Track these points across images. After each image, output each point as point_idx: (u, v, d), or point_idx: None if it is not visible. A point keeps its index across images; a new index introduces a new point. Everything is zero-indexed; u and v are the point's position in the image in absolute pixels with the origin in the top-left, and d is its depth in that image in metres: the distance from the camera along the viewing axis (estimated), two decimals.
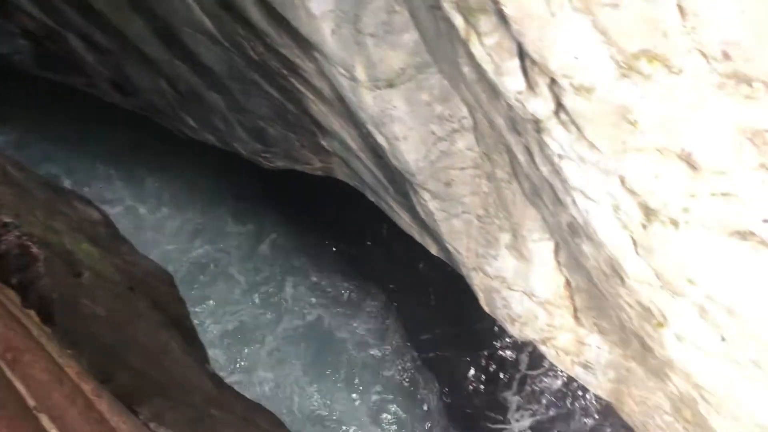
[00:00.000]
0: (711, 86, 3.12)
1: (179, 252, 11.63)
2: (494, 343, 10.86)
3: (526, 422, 10.43)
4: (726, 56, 2.99)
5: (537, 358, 10.51)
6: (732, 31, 2.89)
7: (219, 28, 7.30)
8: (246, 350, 10.97)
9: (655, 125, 3.38)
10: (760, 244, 3.69)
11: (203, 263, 11.71)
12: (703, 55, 3.04)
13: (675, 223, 3.78)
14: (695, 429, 6.16)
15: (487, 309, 6.74)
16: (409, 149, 5.64)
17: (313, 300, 11.73)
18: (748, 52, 2.89)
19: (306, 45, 5.91)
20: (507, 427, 10.52)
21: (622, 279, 4.44)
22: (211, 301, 11.37)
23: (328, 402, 10.76)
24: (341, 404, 10.81)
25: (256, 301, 11.47)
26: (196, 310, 10.97)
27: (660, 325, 4.53)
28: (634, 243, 4.06)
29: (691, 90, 3.20)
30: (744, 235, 3.70)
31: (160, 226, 11.90)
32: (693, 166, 3.50)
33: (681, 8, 2.96)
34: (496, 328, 10.78)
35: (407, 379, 11.46)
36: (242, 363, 10.92)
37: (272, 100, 7.81)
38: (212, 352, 10.17)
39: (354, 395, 10.95)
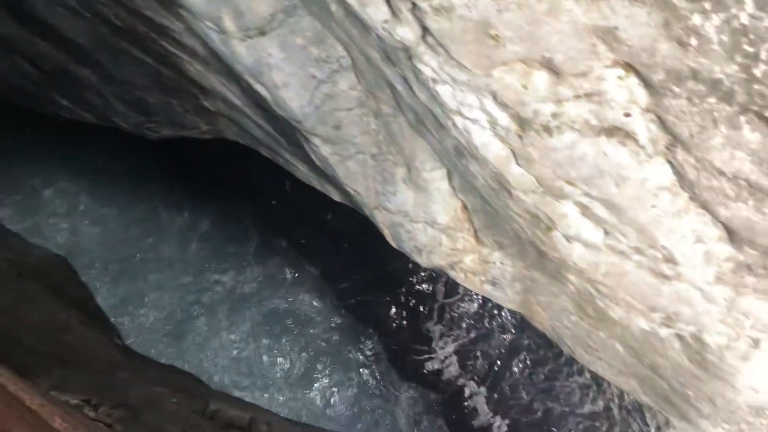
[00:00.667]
0: None
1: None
2: (410, 279, 11.16)
3: (450, 348, 10.89)
4: None
5: (452, 287, 10.91)
6: None
7: None
8: (152, 316, 10.71)
9: (515, 37, 3.52)
10: (626, 138, 3.96)
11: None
12: None
13: (547, 129, 3.98)
14: (598, 323, 6.64)
15: (393, 244, 6.90)
16: (292, 96, 5.60)
17: (225, 265, 11.58)
18: None
19: (169, 3, 5.68)
20: (433, 356, 10.95)
21: (509, 192, 4.65)
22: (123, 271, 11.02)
23: (254, 361, 10.79)
24: (265, 364, 10.87)
25: (167, 269, 11.19)
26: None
27: (549, 229, 4.81)
28: (514, 154, 4.25)
29: None
30: (610, 131, 3.95)
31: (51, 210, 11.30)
32: (555, 72, 3.68)
33: None
34: (410, 265, 11.06)
35: (332, 330, 11.63)
36: (149, 327, 10.69)
37: (146, 67, 7.49)
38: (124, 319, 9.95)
39: (279, 353, 11.02)
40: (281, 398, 10.71)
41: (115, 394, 2.52)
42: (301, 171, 7.81)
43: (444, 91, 4.05)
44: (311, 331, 11.66)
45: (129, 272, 11.14)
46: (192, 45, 6.26)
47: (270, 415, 3.51)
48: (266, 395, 10.40)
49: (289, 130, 6.54)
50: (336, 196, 7.68)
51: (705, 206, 4.20)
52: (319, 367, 11.14)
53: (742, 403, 5.94)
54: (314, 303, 11.56)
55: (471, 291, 10.84)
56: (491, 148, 4.29)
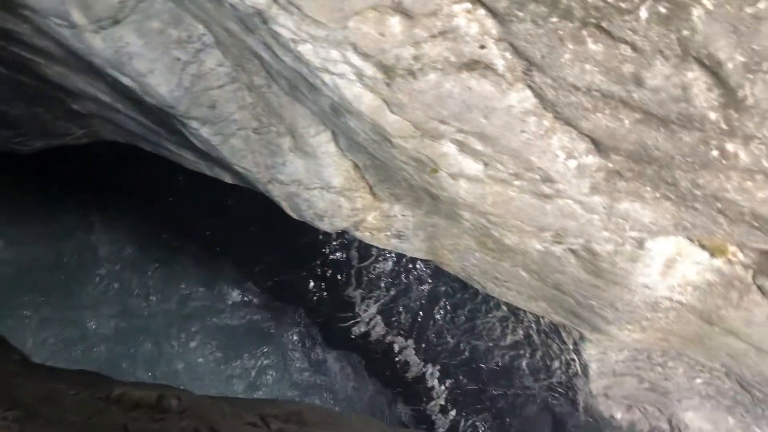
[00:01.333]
0: None
1: None
2: (323, 250, 11.21)
3: (373, 309, 11.08)
4: None
5: (364, 249, 11.05)
6: None
7: None
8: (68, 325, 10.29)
9: None
10: (485, 69, 4.13)
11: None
12: None
13: (412, 72, 4.10)
14: (500, 255, 6.95)
15: (294, 215, 6.91)
16: (159, 82, 5.45)
17: (130, 273, 11.22)
18: None
19: (10, 4, 5.37)
20: (358, 320, 11.11)
21: (389, 141, 4.76)
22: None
23: (181, 355, 10.60)
24: (194, 357, 10.71)
25: (76, 277, 10.72)
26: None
27: (434, 171, 4.98)
28: (386, 103, 4.35)
29: None
30: (470, 65, 4.10)
31: None
32: (408, 15, 3.77)
33: None
34: (320, 236, 11.11)
35: (254, 313, 11.56)
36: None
37: (1, 77, 7.06)
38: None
39: (206, 344, 10.87)
40: (212, 387, 10.61)
41: (7, 398, 2.44)
42: (189, 159, 7.65)
43: (306, 50, 4.08)
44: (233, 318, 11.54)
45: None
46: (45, 46, 5.95)
47: (180, 392, 3.51)
48: (197, 383, 10.28)
49: (165, 119, 6.37)
50: (228, 179, 7.58)
51: (568, 122, 4.46)
52: (247, 351, 11.07)
53: (639, 302, 6.42)
54: (232, 291, 11.43)
55: (383, 250, 11.04)
56: (363, 99, 4.37)
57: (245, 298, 11.80)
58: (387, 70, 4.10)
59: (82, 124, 7.68)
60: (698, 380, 8.75)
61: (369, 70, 4.12)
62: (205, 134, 5.99)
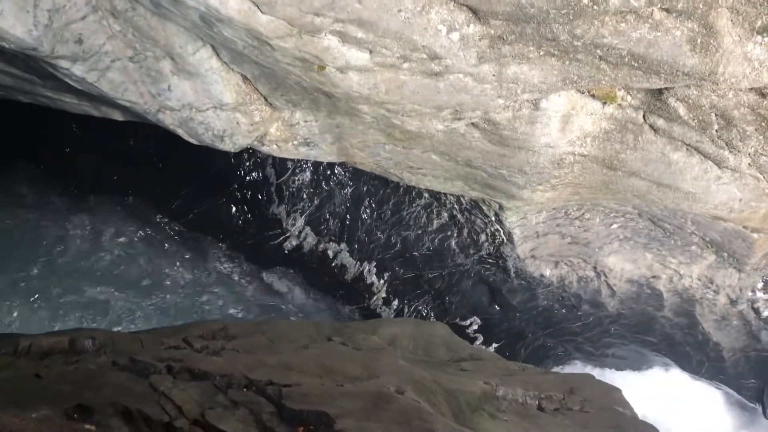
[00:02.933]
0: None
1: None
2: (237, 173, 10.99)
3: (300, 221, 11.08)
4: None
5: (280, 165, 10.89)
6: None
7: None
8: None
9: None
10: None
11: None
12: None
13: None
14: (408, 143, 7.00)
15: (194, 141, 6.69)
16: (12, 23, 5.02)
17: (48, 223, 10.76)
18: None
19: None
20: (288, 235, 11.12)
21: (269, 44, 4.60)
22: None
23: (109, 303, 10.45)
24: (125, 299, 10.57)
25: None
26: None
27: (321, 68, 4.87)
28: (254, 3, 4.16)
29: None
30: None
31: None
32: None
33: None
34: (232, 160, 10.85)
35: (184, 254, 11.39)
36: None
37: None
38: None
39: (145, 292, 10.73)
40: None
41: None
42: (71, 103, 7.20)
43: None
44: (163, 260, 11.35)
45: None
46: None
47: (93, 331, 3.48)
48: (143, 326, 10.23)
49: (34, 64, 5.94)
50: (118, 116, 7.21)
51: None
52: (181, 286, 10.99)
53: (545, 162, 6.65)
54: (151, 232, 11.17)
55: (299, 162, 10.94)
56: (231, 4, 4.17)
57: (166, 236, 11.56)
58: None
59: None
60: (614, 225, 9.28)
61: None
62: (79, 72, 5.62)
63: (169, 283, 11.03)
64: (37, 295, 10.28)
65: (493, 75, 5.01)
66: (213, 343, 3.66)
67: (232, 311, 11.20)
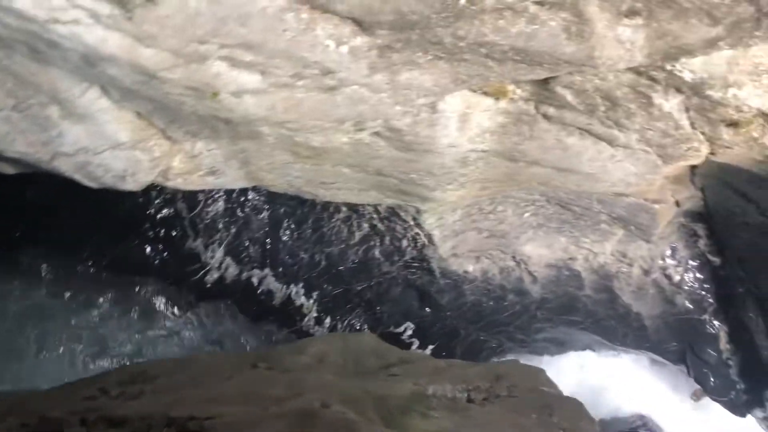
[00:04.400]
0: None
1: None
2: (147, 212, 10.68)
3: (220, 253, 10.87)
4: None
5: (190, 199, 10.66)
6: None
7: None
8: None
9: None
10: None
11: None
12: None
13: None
14: (317, 159, 7.02)
15: (94, 185, 6.47)
16: None
17: None
18: None
19: None
20: (208, 267, 10.88)
21: (157, 77, 4.51)
22: None
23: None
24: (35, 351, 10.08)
25: None
26: None
27: (215, 94, 4.81)
28: (136, 38, 4.08)
29: None
30: None
31: None
32: None
33: None
34: (140, 200, 10.53)
35: (100, 298, 10.97)
36: None
37: None
38: None
39: (70, 344, 10.25)
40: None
41: None
42: None
43: (24, 5, 3.69)
44: (84, 310, 10.89)
45: None
46: None
47: None
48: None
49: None
50: (9, 169, 6.86)
51: (326, 9, 4.43)
52: (101, 335, 10.58)
53: (450, 162, 6.82)
54: (64, 282, 10.70)
55: (209, 192, 10.74)
56: (110, 42, 4.07)
57: (86, 286, 11.11)
58: (123, 4, 3.83)
59: None
60: (526, 214, 9.60)
61: (104, 8, 3.82)
62: None
63: (88, 332, 10.59)
64: None
65: (387, 83, 5.11)
66: (132, 388, 3.53)
67: (156, 352, 10.86)
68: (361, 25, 4.52)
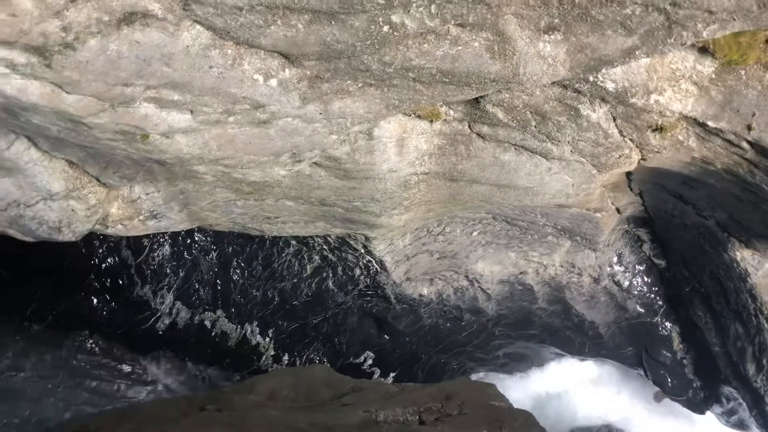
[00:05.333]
0: None
1: None
2: (91, 262, 10.38)
3: (170, 298, 10.61)
4: None
5: (135, 245, 10.42)
6: None
7: None
8: None
9: None
10: (145, 18, 3.92)
11: None
12: None
13: (68, 45, 3.77)
14: (258, 195, 6.96)
15: (30, 238, 6.26)
16: None
17: None
18: None
19: None
20: (158, 314, 10.60)
21: (83, 123, 4.42)
22: None
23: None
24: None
25: None
26: None
27: (145, 137, 4.74)
28: (57, 85, 4.00)
29: None
30: (129, 18, 3.87)
31: None
32: None
33: None
34: (82, 250, 10.25)
35: (49, 355, 10.55)
36: None
37: None
38: None
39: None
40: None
41: None
42: None
43: None
44: (31, 365, 10.46)
45: None
46: None
47: None
48: None
49: None
50: None
51: (251, 44, 4.44)
52: (52, 390, 10.16)
53: (392, 187, 6.85)
54: (14, 343, 10.26)
55: (154, 237, 10.53)
56: (30, 90, 3.99)
57: (30, 342, 10.67)
58: (40, 52, 3.75)
59: None
60: (475, 233, 9.71)
61: (20, 57, 3.74)
62: None
63: (38, 390, 10.17)
64: None
65: (320, 113, 5.12)
66: None
67: (106, 405, 10.48)
68: (288, 57, 4.53)
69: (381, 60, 4.57)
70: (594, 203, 8.59)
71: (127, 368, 10.74)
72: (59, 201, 5.90)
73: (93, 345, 10.63)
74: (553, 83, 5.44)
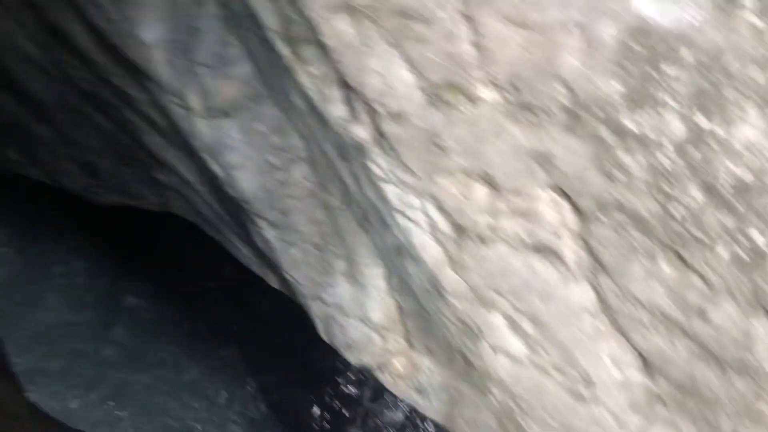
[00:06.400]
0: (504, 114, 3.57)
1: None
2: (337, 378, 10.95)
3: None
4: (515, 87, 3.46)
5: (378, 392, 10.71)
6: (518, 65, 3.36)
7: (47, 57, 7.01)
8: (81, 395, 10.12)
9: (460, 150, 3.78)
10: (554, 257, 4.20)
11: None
12: (496, 86, 3.49)
13: (483, 239, 4.19)
14: None
15: (325, 338, 6.87)
16: (246, 178, 5.74)
17: (152, 345, 11.17)
18: (530, 84, 3.36)
19: (138, 74, 5.87)
20: None
21: (443, 296, 4.79)
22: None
23: None
24: None
25: (89, 346, 10.70)
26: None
27: (477, 338, 4.93)
28: (450, 259, 4.43)
29: (489, 117, 3.64)
30: (540, 249, 4.19)
31: None
32: (494, 187, 3.93)
33: (476, 44, 3.40)
34: (338, 364, 10.90)
35: (251, 425, 11.19)
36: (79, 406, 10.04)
37: (104, 132, 7.57)
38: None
39: None
40: None
41: None
42: (243, 253, 7.82)
43: (390, 191, 4.26)
44: (228, 425, 11.20)
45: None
46: (154, 116, 6.41)
47: None
48: None
49: (236, 211, 6.62)
50: (273, 282, 7.67)
51: (623, 332, 4.40)
52: None
53: None
54: (234, 395, 11.17)
55: (397, 398, 10.69)
56: (429, 250, 4.47)
57: (245, 404, 11.46)
58: (460, 231, 4.22)
59: (159, 192, 8.04)
60: None
61: (444, 225, 4.25)
62: (269, 236, 6.18)
63: None
64: None
65: (637, 428, 4.74)
66: None
67: None
68: (647, 365, 4.36)
69: (735, 429, 4.10)
70: None
71: None
72: (369, 329, 6.39)
73: None
74: None
